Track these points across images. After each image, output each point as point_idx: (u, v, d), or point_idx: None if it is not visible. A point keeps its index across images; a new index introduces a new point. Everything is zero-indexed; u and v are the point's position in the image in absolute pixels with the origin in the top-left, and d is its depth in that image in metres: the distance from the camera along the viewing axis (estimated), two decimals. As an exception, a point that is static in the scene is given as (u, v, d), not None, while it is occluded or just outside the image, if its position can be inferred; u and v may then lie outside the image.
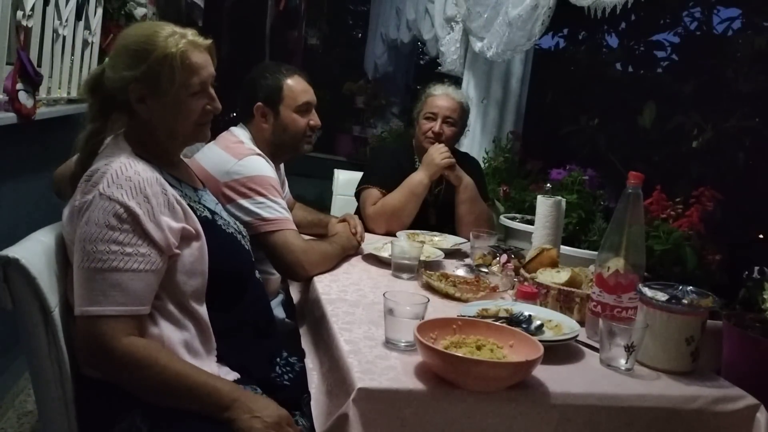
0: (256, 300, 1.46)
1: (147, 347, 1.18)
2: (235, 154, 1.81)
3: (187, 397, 1.18)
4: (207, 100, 1.34)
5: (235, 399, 1.19)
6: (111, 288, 1.16)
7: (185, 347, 1.26)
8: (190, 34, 1.33)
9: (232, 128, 1.97)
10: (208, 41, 1.36)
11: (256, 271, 1.52)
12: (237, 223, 1.53)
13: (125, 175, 1.21)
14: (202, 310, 1.29)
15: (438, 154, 2.31)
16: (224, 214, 1.48)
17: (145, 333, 1.21)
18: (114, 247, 1.17)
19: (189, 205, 1.31)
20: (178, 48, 1.28)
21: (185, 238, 1.27)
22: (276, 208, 1.76)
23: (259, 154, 1.84)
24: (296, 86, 1.94)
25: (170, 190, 1.27)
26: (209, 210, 1.40)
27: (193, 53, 1.31)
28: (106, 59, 1.36)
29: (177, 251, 1.25)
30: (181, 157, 1.47)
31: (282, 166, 2.11)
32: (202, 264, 1.29)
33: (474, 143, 3.58)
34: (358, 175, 2.53)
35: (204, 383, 1.19)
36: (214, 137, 1.82)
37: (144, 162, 1.27)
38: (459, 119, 2.44)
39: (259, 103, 1.92)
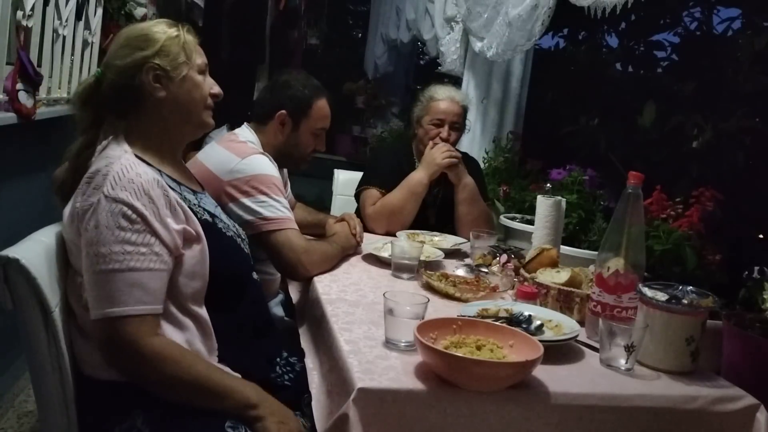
0: (255, 301, 1.47)
1: (173, 346, 1.20)
2: (238, 153, 1.81)
3: (213, 396, 1.19)
4: (210, 83, 1.41)
5: (265, 399, 1.22)
6: (131, 287, 1.16)
7: (187, 348, 1.26)
8: (186, 26, 1.41)
9: (236, 129, 1.97)
10: (199, 38, 1.42)
11: (254, 273, 1.52)
12: (236, 226, 1.53)
13: (128, 177, 1.21)
14: (202, 311, 1.29)
15: (439, 153, 2.31)
16: (224, 217, 1.48)
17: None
18: (128, 247, 1.17)
19: (189, 207, 1.31)
20: (183, 30, 1.37)
21: (186, 240, 1.27)
22: (278, 207, 1.76)
23: (262, 154, 1.84)
24: (323, 109, 1.96)
25: (171, 193, 1.27)
26: (209, 213, 1.40)
27: (193, 39, 1.39)
28: (104, 61, 1.37)
29: (183, 252, 1.25)
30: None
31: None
32: (203, 266, 1.29)
33: (474, 143, 3.58)
34: (358, 175, 2.53)
35: (230, 382, 1.23)
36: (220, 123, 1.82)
37: (144, 164, 1.28)
38: (463, 122, 2.46)
39: (284, 111, 1.92)
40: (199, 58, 1.38)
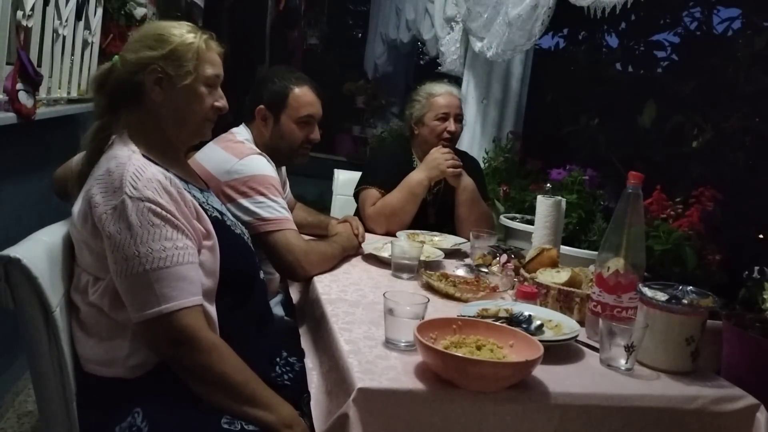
0: (259, 300, 1.47)
1: (225, 344, 1.23)
2: (236, 153, 1.81)
3: (251, 404, 1.21)
4: (217, 96, 1.39)
5: (300, 421, 1.23)
6: (178, 282, 1.18)
7: None
8: (208, 34, 1.40)
9: (234, 128, 1.97)
10: (222, 49, 1.42)
11: (261, 272, 1.52)
12: (240, 224, 1.54)
13: (146, 176, 1.22)
14: (212, 309, 1.29)
15: (444, 159, 2.31)
16: (230, 215, 1.49)
17: None
18: (167, 243, 1.19)
19: (200, 205, 1.32)
20: (201, 39, 1.36)
21: (201, 237, 1.28)
22: (276, 208, 1.76)
23: (260, 154, 1.84)
24: (302, 97, 1.93)
25: (184, 191, 1.28)
26: (218, 210, 1.41)
27: (211, 49, 1.38)
28: (121, 51, 1.38)
29: (201, 248, 1.27)
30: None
31: (283, 166, 2.11)
32: (215, 264, 1.30)
33: (474, 143, 3.58)
34: (358, 175, 2.53)
35: (272, 396, 1.24)
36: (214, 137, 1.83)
37: (153, 164, 1.28)
38: (462, 114, 2.47)
39: (262, 106, 1.92)
40: (211, 69, 1.36)
